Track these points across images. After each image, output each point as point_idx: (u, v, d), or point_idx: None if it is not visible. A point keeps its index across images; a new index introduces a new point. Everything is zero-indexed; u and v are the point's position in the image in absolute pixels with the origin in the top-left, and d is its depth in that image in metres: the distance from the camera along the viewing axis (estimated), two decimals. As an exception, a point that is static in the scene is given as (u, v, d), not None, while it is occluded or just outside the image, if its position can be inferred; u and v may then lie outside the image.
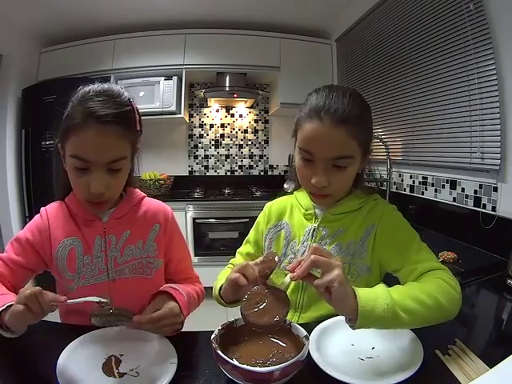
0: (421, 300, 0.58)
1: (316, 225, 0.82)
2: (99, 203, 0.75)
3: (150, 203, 0.88)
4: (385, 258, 0.76)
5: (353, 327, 0.56)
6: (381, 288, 0.58)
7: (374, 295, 0.56)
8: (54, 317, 0.82)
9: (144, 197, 0.88)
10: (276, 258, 0.63)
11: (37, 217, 0.82)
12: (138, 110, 0.77)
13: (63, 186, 0.81)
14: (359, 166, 0.76)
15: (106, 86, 0.73)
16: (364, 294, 0.55)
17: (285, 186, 2.75)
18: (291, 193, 0.92)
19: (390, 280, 0.78)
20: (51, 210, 0.82)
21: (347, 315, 0.56)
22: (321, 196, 0.76)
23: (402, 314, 0.56)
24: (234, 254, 0.96)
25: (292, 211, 0.88)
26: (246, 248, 0.93)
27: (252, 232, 0.94)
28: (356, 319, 0.54)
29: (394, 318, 0.55)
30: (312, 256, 0.55)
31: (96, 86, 0.72)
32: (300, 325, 0.62)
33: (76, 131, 0.68)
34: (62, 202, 0.83)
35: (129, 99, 0.74)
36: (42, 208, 0.83)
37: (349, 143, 0.69)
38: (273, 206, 0.92)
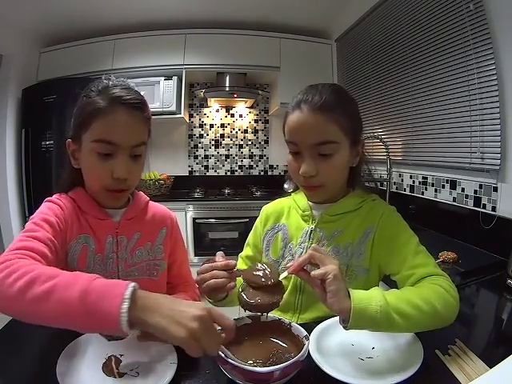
0: (416, 305, 0.58)
1: (313, 226, 0.81)
2: (120, 193, 0.75)
3: (156, 207, 0.90)
4: (383, 260, 0.76)
5: (345, 327, 0.56)
6: (376, 290, 0.59)
7: (367, 296, 0.56)
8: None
9: (148, 200, 0.89)
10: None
11: (54, 206, 0.73)
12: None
13: (69, 183, 0.79)
14: (349, 158, 0.76)
15: (122, 81, 0.76)
16: (358, 294, 0.56)
17: (285, 185, 2.75)
18: (289, 194, 0.92)
19: (390, 281, 0.79)
20: (66, 203, 0.75)
21: (340, 314, 0.56)
22: (312, 187, 0.76)
23: (396, 317, 0.56)
24: (234, 254, 0.96)
25: (289, 213, 0.88)
26: (246, 251, 0.94)
27: (251, 235, 0.95)
28: (349, 319, 0.54)
29: (387, 320, 0.55)
30: (310, 251, 0.59)
31: (114, 80, 0.75)
32: (300, 325, 0.62)
33: (102, 115, 0.69)
34: (68, 197, 0.78)
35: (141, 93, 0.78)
36: (53, 198, 0.75)
37: (329, 128, 0.71)
38: (270, 208, 0.92)
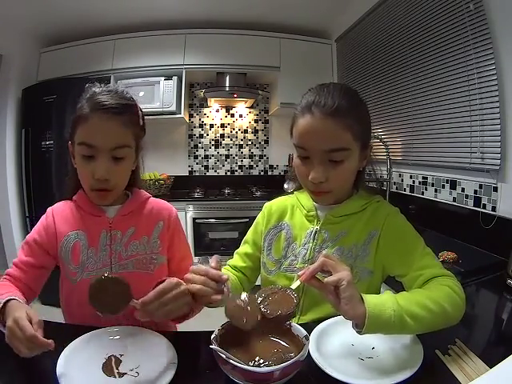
0: (427, 306, 0.58)
1: (318, 227, 0.80)
2: (104, 193, 0.78)
3: (156, 202, 0.92)
4: (389, 262, 0.75)
5: (360, 332, 0.56)
6: (387, 294, 0.59)
7: (381, 301, 0.56)
8: (54, 316, 0.82)
9: (149, 197, 0.92)
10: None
11: (42, 217, 0.85)
12: (140, 108, 0.84)
13: (73, 184, 0.85)
14: (358, 163, 0.75)
15: (111, 86, 0.82)
16: (371, 299, 0.56)
17: (285, 186, 2.75)
18: (291, 193, 0.91)
19: (391, 283, 0.78)
20: (57, 208, 0.86)
21: (354, 319, 0.56)
22: (320, 193, 0.75)
23: (409, 319, 0.56)
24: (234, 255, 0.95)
25: (293, 212, 0.87)
26: (244, 248, 0.92)
27: (250, 232, 0.93)
28: (363, 324, 0.54)
29: (400, 323, 0.55)
30: (322, 258, 0.58)
31: (103, 87, 0.80)
32: (300, 325, 0.62)
33: (84, 120, 0.75)
34: (68, 201, 0.86)
35: (131, 97, 0.82)
36: (48, 208, 0.87)
37: (341, 135, 0.68)
38: (273, 206, 0.90)
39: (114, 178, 0.77)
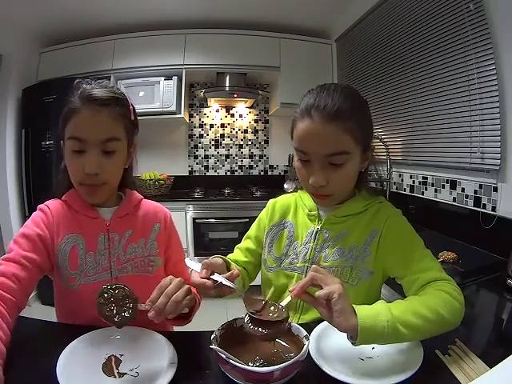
0: (422, 315, 0.58)
1: (319, 227, 0.80)
2: (94, 188, 0.76)
3: (149, 204, 0.91)
4: (388, 263, 0.75)
5: (354, 344, 0.56)
6: (381, 304, 0.59)
7: (374, 312, 0.56)
8: (55, 316, 0.82)
9: (142, 198, 0.90)
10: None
11: (39, 213, 0.79)
12: (132, 103, 0.82)
13: (66, 184, 0.81)
14: (360, 165, 0.74)
15: (103, 81, 0.80)
16: (364, 310, 0.56)
17: (285, 186, 2.76)
18: (295, 191, 0.91)
19: (393, 284, 0.78)
20: (53, 207, 0.80)
21: (347, 332, 0.56)
22: (321, 196, 0.74)
23: (403, 329, 0.56)
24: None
25: (296, 210, 0.86)
26: (246, 243, 0.92)
27: (253, 228, 0.93)
28: (356, 336, 0.54)
29: (394, 334, 0.55)
30: (311, 273, 0.58)
31: (93, 82, 0.79)
32: (300, 325, 0.63)
33: (73, 114, 0.73)
34: (60, 200, 0.82)
35: (122, 93, 0.81)
36: (41, 205, 0.81)
37: (342, 139, 0.68)
38: (277, 203, 0.90)
39: (104, 172, 0.75)
